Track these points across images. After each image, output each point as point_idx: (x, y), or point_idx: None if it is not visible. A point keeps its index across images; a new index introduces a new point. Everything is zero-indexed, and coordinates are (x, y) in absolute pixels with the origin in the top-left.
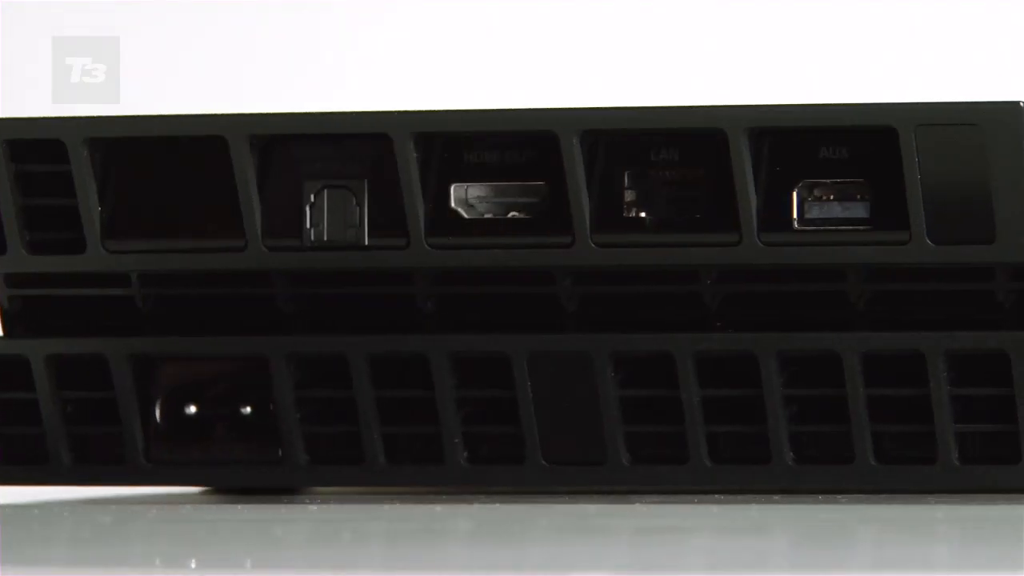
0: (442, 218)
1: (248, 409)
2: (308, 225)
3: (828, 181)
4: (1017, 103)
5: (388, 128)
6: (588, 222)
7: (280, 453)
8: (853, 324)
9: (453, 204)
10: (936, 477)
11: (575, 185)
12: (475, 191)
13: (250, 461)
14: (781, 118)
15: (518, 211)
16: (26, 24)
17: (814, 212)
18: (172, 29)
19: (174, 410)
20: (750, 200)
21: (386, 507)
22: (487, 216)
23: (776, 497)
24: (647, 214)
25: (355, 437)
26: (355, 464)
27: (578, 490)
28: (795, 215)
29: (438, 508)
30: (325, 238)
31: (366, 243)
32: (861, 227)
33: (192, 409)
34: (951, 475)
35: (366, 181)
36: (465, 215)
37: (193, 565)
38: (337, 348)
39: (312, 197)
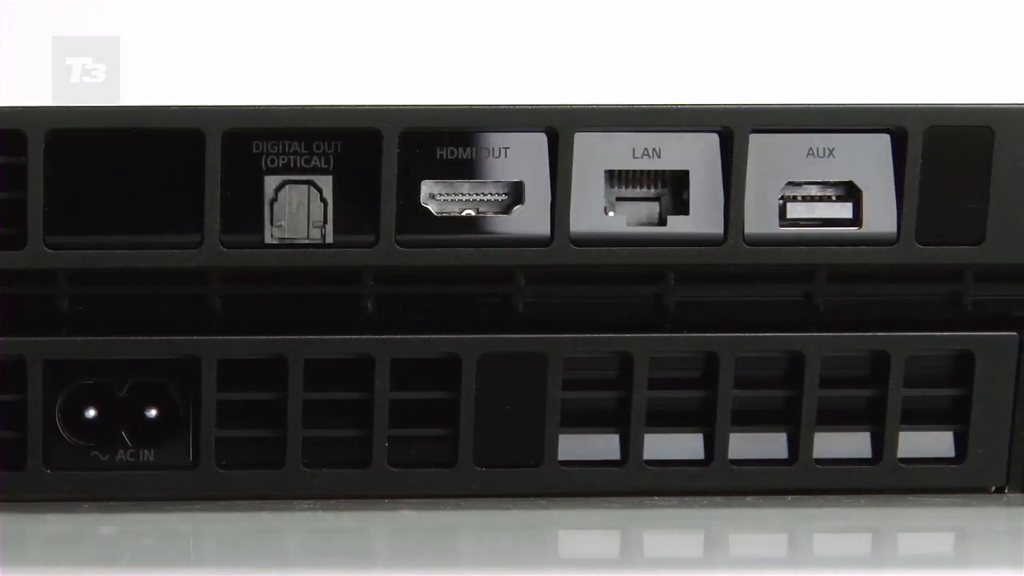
0: (412, 216)
1: (154, 412)
2: (270, 222)
3: (813, 182)
4: None
5: (379, 123)
6: (569, 220)
7: (191, 459)
8: (810, 326)
9: (423, 201)
10: (881, 477)
11: (564, 181)
12: (446, 188)
13: (161, 467)
14: (790, 119)
15: (479, 209)
16: (26, 24)
17: (798, 212)
18: (173, 29)
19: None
20: (743, 200)
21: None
22: (460, 214)
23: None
24: (625, 214)
25: (277, 442)
26: (276, 469)
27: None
28: (778, 215)
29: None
30: (286, 235)
31: (331, 241)
32: (846, 228)
33: (92, 412)
34: (896, 475)
35: (331, 177)
36: (435, 212)
37: None
38: (277, 349)
39: (274, 193)
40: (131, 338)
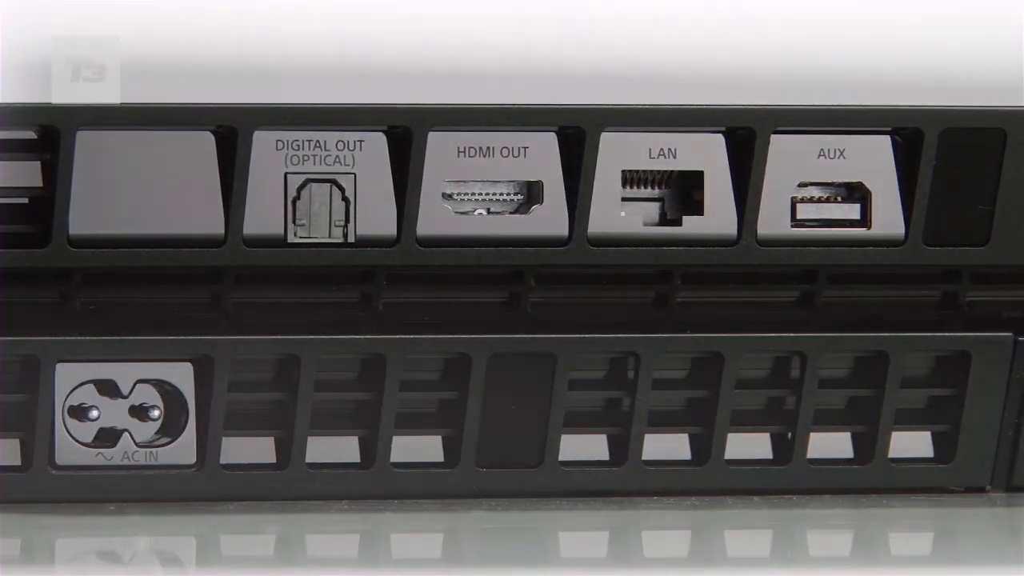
0: (431, 215)
1: (157, 413)
2: (292, 221)
3: (824, 183)
4: None
5: (409, 122)
6: (588, 221)
7: (196, 460)
8: (808, 326)
9: (441, 201)
10: (873, 476)
11: (587, 181)
12: (465, 188)
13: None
14: (811, 120)
15: (497, 209)
16: (26, 23)
17: (807, 213)
18: (173, 28)
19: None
20: (759, 201)
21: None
22: (473, 213)
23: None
24: (641, 213)
25: (284, 443)
26: (280, 470)
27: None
28: (790, 216)
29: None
30: (309, 234)
31: (353, 240)
32: (855, 228)
33: (95, 413)
34: (887, 475)
35: (354, 176)
36: (453, 212)
37: None
38: (290, 349)
39: (296, 192)
40: (148, 338)
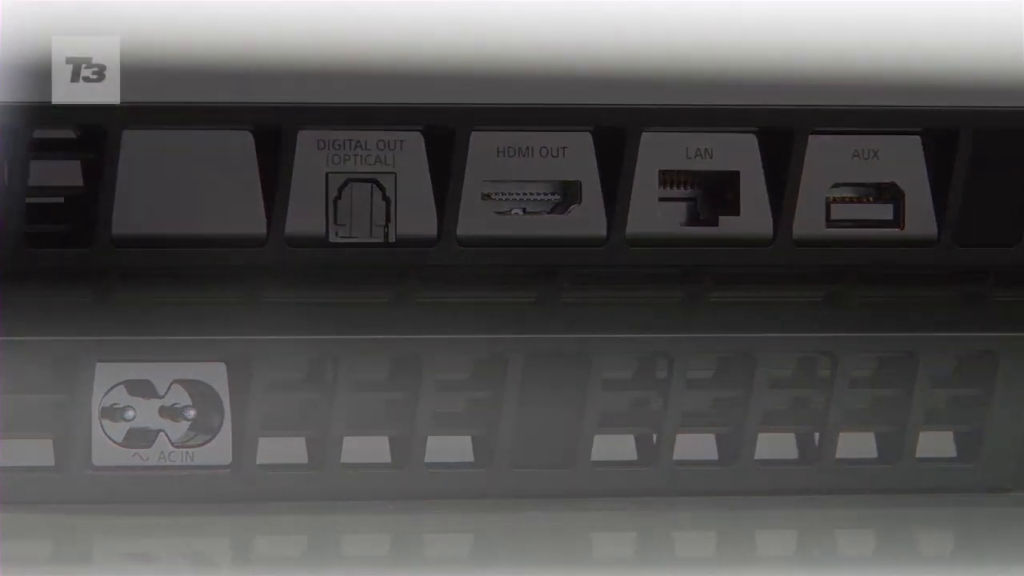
0: (471, 215)
1: (192, 413)
2: (333, 221)
3: (857, 183)
4: None
5: (454, 121)
6: (627, 221)
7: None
8: (836, 326)
9: (480, 201)
10: (900, 476)
11: (626, 181)
12: (504, 187)
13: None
14: (851, 119)
15: (534, 209)
16: (26, 24)
17: (842, 213)
18: (174, 28)
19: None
20: (795, 201)
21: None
22: (514, 212)
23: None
24: (677, 213)
25: (319, 443)
26: (314, 471)
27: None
28: (824, 216)
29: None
30: (351, 234)
31: (394, 240)
32: (888, 228)
33: (131, 414)
34: (914, 475)
35: (395, 176)
36: (494, 212)
37: None
38: (329, 349)
39: (337, 192)
40: (187, 338)
